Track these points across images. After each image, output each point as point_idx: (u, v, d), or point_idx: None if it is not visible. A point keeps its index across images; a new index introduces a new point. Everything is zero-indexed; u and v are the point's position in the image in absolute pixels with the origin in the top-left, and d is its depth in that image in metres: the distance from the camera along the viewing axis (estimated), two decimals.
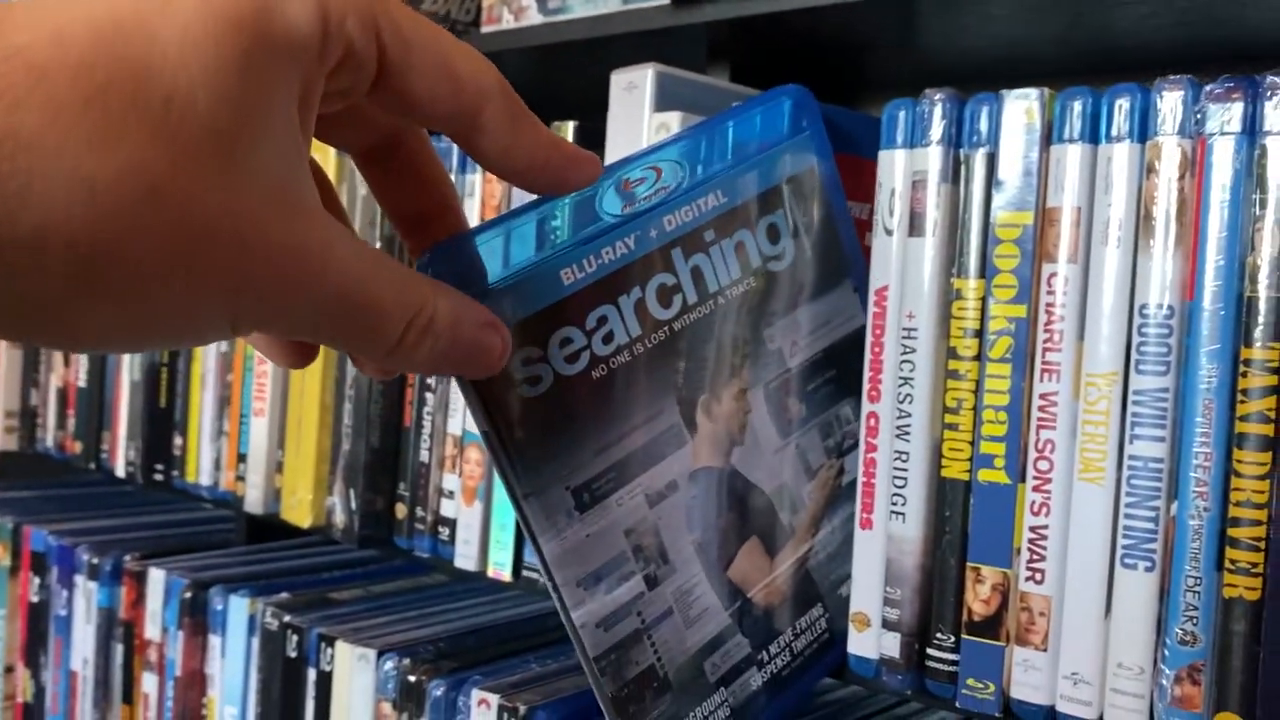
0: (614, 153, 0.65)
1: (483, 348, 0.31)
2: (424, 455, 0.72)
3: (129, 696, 0.94)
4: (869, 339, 0.51)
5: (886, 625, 0.51)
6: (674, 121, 0.63)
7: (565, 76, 0.83)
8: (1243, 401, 0.43)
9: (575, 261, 0.37)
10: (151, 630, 0.92)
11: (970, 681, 0.49)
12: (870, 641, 0.52)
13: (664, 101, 0.64)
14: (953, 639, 0.50)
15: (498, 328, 0.31)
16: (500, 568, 0.67)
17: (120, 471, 0.99)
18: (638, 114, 0.64)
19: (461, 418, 0.70)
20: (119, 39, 0.23)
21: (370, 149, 0.32)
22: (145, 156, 0.23)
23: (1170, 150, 0.45)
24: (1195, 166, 0.45)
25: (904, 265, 0.51)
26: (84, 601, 0.98)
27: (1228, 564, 0.43)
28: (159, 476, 0.95)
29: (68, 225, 0.22)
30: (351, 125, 0.31)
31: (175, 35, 0.23)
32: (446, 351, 0.30)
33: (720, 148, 0.43)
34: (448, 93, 0.28)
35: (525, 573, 0.66)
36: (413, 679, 0.71)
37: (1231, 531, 0.43)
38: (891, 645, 0.51)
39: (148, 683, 0.92)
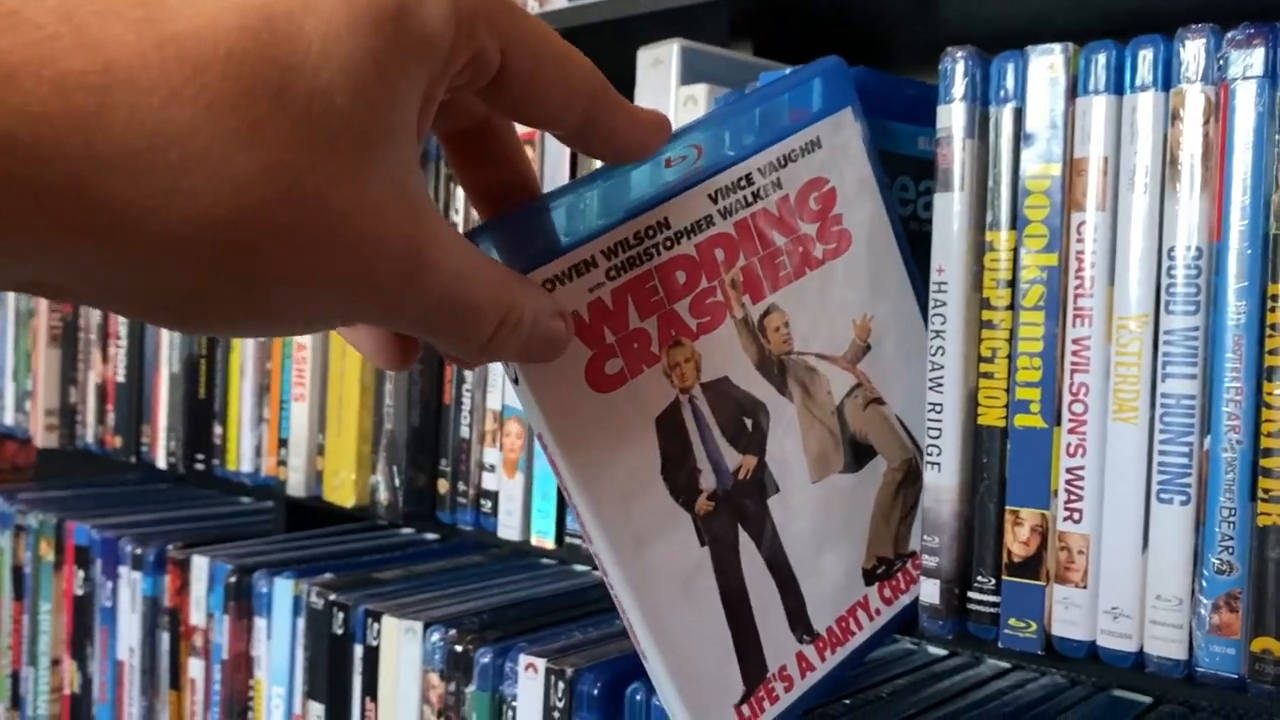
0: None
1: (554, 337, 0.33)
2: (464, 431, 0.74)
3: (176, 682, 0.96)
4: None
5: (926, 573, 0.53)
6: (700, 94, 0.64)
7: (592, 58, 0.84)
8: (1271, 335, 0.45)
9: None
10: (197, 616, 0.94)
11: (1012, 621, 0.51)
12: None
13: (689, 75, 0.66)
14: (993, 581, 0.51)
15: (565, 316, 0.34)
16: (543, 535, 0.69)
17: (161, 463, 1.01)
18: (664, 88, 0.66)
19: (501, 393, 0.71)
20: (267, 33, 0.23)
21: (460, 132, 0.34)
22: (286, 155, 0.23)
23: (1194, 97, 0.46)
24: (1219, 111, 0.46)
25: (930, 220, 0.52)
26: (129, 592, 1.00)
27: (1261, 494, 0.45)
28: (200, 466, 0.97)
29: (212, 221, 0.22)
30: (448, 112, 0.32)
31: (320, 30, 0.23)
32: (526, 344, 0.32)
33: (763, 121, 0.45)
34: (563, 101, 0.30)
35: (568, 539, 0.68)
36: (459, 649, 0.73)
37: (1264, 462, 0.45)
38: (932, 592, 0.53)
39: (194, 668, 0.94)
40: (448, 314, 0.28)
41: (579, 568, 0.88)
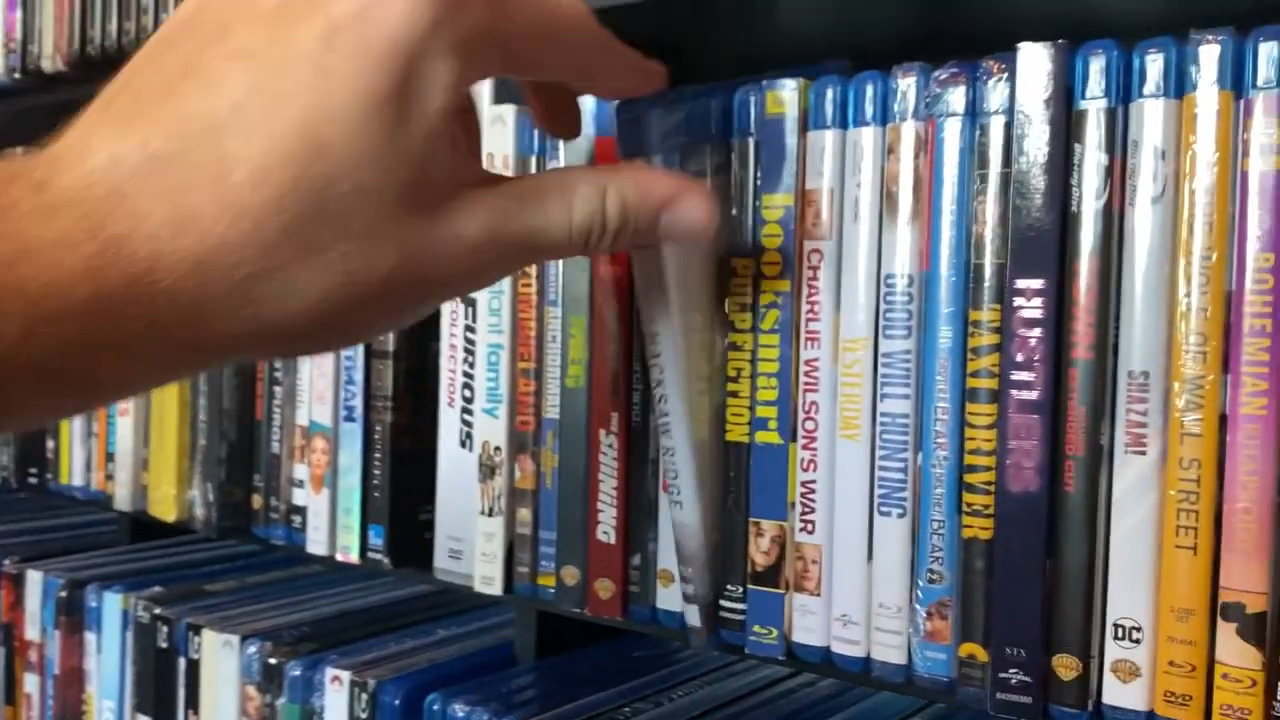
0: None
1: (680, 214, 0.39)
2: (275, 447, 0.75)
3: (11, 698, 0.95)
4: None
5: (683, 577, 0.55)
6: (509, 114, 0.66)
7: None
8: (973, 359, 0.48)
9: None
10: (31, 631, 0.93)
11: (756, 628, 0.53)
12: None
13: (501, 94, 0.67)
14: (741, 590, 0.54)
15: (694, 190, 0.40)
16: (348, 551, 0.70)
17: None
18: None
19: (308, 408, 0.72)
20: (311, 159, 0.29)
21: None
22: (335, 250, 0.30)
23: (907, 132, 0.49)
24: (928, 147, 0.49)
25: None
26: None
27: (965, 507, 0.48)
28: (33, 480, 0.96)
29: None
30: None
31: (343, 138, 0.29)
32: (633, 240, 0.38)
33: None
34: (559, 62, 0.38)
35: (370, 554, 0.69)
36: (273, 661, 0.74)
37: (967, 478, 0.48)
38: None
39: (29, 683, 0.94)
40: (519, 258, 0.37)
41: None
